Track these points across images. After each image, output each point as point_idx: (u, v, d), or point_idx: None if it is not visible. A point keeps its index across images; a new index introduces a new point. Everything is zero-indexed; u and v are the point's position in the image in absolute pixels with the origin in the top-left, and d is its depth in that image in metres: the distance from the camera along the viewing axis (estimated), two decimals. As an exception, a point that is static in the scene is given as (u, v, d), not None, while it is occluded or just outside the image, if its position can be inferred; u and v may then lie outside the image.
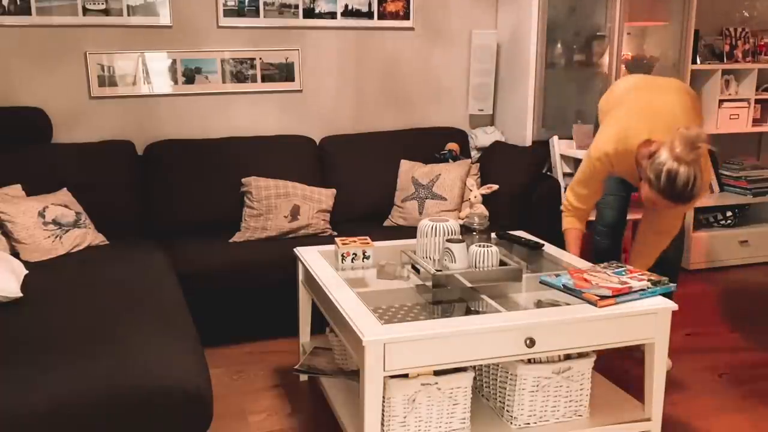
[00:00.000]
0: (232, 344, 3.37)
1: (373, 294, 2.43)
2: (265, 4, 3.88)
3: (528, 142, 4.10)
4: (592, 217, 3.25)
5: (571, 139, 4.07)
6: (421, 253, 2.62)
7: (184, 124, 3.89)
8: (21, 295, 2.49)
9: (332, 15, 4.02)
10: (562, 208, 2.96)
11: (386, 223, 3.88)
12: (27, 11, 3.52)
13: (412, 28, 4.21)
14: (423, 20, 4.23)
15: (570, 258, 2.81)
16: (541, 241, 2.98)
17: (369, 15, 4.09)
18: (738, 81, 4.54)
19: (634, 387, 2.84)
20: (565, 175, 4.07)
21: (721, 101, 4.45)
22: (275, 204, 3.57)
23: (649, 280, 2.41)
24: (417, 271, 2.53)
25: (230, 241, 3.49)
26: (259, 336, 3.41)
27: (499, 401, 2.40)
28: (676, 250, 3.12)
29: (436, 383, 2.24)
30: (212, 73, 3.87)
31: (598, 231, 3.28)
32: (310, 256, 2.82)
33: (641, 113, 2.73)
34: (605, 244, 3.27)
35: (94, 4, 3.61)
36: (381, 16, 4.12)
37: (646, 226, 2.93)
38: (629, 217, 3.42)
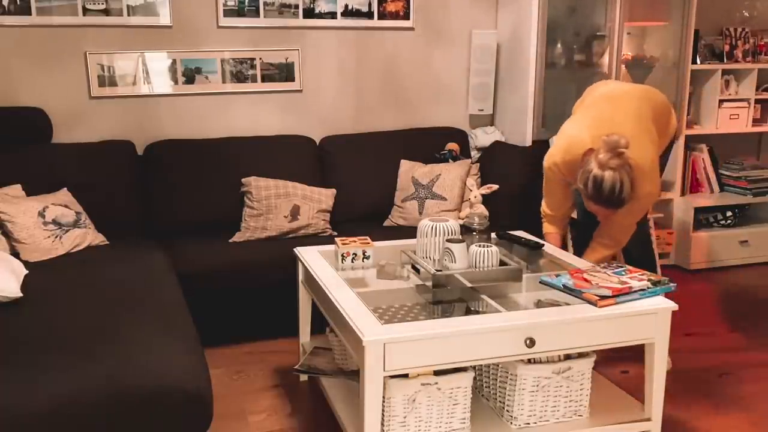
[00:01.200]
0: (232, 344, 3.37)
1: (373, 294, 2.43)
2: (265, 4, 3.88)
3: (528, 142, 4.10)
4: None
5: (571, 139, 4.06)
6: (421, 253, 2.62)
7: (184, 124, 3.89)
8: (21, 295, 2.49)
9: (332, 15, 4.01)
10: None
11: (386, 223, 3.88)
12: (27, 11, 3.52)
13: (412, 28, 4.21)
14: (423, 20, 4.23)
15: (570, 258, 2.82)
16: (541, 241, 2.98)
17: (369, 15, 4.09)
18: (738, 81, 4.54)
19: (634, 387, 2.84)
20: (565, 175, 4.07)
21: (721, 101, 4.45)
22: (275, 204, 3.57)
23: (649, 280, 2.41)
24: (417, 271, 2.53)
25: (230, 241, 3.49)
26: (259, 336, 3.41)
27: (499, 401, 2.40)
28: (638, 249, 3.11)
29: (436, 383, 2.24)
30: (212, 73, 3.87)
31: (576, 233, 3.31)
32: (310, 256, 2.82)
33: (589, 123, 2.79)
34: (579, 246, 3.28)
35: (94, 4, 3.61)
36: (381, 16, 4.12)
37: (595, 232, 2.95)
38: None
